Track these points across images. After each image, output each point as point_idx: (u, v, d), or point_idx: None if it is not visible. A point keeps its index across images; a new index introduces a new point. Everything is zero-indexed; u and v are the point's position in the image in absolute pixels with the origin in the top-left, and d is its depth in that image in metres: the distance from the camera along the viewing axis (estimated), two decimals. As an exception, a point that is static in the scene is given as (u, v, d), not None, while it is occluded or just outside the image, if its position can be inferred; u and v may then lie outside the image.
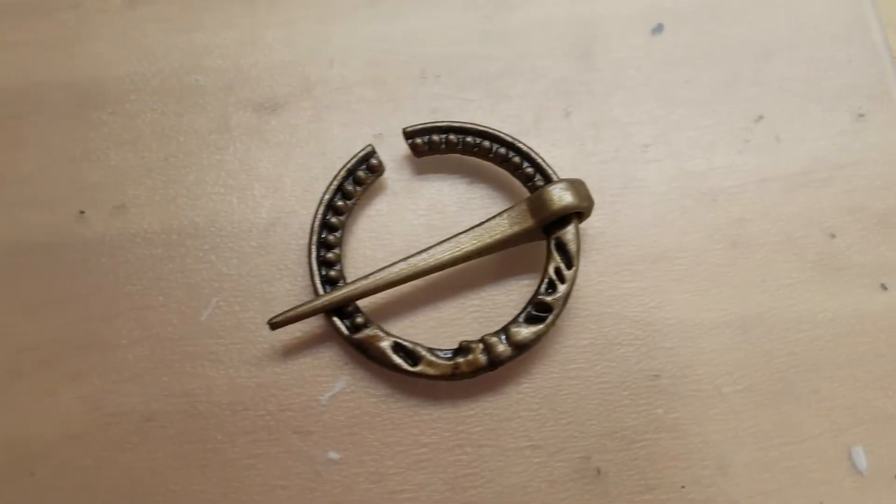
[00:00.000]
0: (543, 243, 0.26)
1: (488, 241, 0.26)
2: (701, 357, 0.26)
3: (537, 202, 0.25)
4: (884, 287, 0.26)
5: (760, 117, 0.28)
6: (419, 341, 0.25)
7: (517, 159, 0.27)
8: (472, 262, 0.26)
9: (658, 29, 0.29)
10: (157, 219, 0.28)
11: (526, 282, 0.27)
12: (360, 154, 0.27)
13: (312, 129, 0.28)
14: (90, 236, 0.27)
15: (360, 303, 0.26)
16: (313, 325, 0.26)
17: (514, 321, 0.25)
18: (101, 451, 0.25)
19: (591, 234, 0.27)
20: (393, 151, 0.28)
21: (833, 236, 0.27)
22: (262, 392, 0.26)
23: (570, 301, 0.26)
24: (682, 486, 0.25)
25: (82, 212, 0.28)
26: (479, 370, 0.25)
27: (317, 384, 0.26)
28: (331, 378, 0.26)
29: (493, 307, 0.27)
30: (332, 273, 0.26)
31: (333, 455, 0.25)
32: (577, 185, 0.25)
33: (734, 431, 0.25)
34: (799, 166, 0.28)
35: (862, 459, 0.25)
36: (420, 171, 0.28)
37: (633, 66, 0.29)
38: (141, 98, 0.29)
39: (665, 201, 0.27)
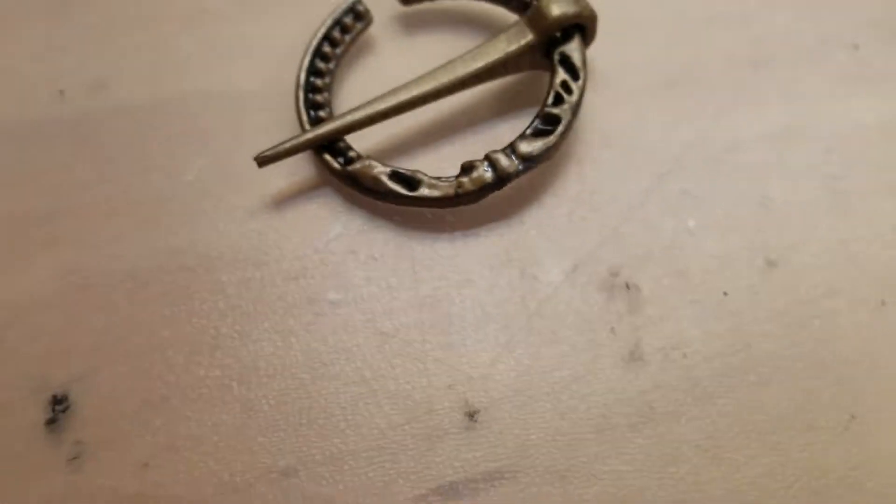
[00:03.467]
0: (548, 74, 0.24)
1: (488, 60, 0.24)
2: (730, 175, 0.24)
3: (535, 15, 0.24)
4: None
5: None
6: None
7: (514, -10, 0.25)
8: (471, 96, 0.25)
9: None
10: (140, 91, 0.26)
11: (530, 112, 0.25)
12: (346, 4, 0.25)
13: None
14: (70, 114, 0.26)
15: (354, 144, 0.24)
16: (305, 170, 0.25)
17: (521, 136, 0.23)
18: (78, 314, 0.23)
19: (599, 67, 0.25)
20: (380, 9, 0.27)
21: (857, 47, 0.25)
22: (254, 241, 0.24)
23: (582, 129, 0.24)
24: (725, 293, 0.22)
25: (62, 91, 0.26)
26: (485, 188, 0.23)
27: (312, 230, 0.24)
28: (326, 222, 0.24)
29: (495, 141, 0.24)
30: (321, 114, 0.24)
31: (333, 295, 0.23)
32: (576, -4, 0.24)
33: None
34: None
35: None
36: (410, 24, 0.27)
37: None
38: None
39: (680, 21, 0.26)
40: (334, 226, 0.24)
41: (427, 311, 0.23)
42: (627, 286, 0.22)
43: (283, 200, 0.24)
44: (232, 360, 0.22)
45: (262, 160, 0.23)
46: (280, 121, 0.25)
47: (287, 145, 0.23)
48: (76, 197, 0.25)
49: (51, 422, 0.22)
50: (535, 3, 0.24)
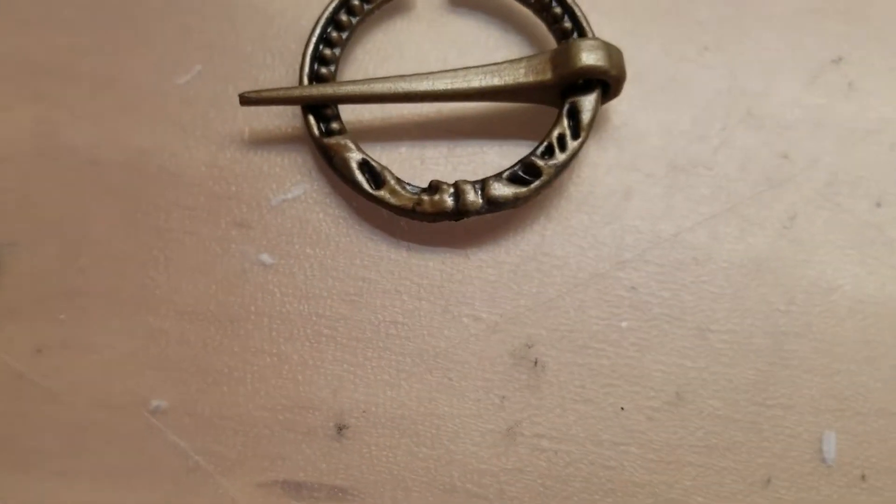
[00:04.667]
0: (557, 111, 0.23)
1: (497, 83, 0.23)
2: (690, 286, 0.23)
3: (561, 55, 0.22)
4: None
5: (839, 59, 0.25)
6: (392, 170, 0.23)
7: (558, 10, 0.24)
8: (476, 108, 0.24)
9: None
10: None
11: (527, 146, 0.24)
12: (394, -41, 0.24)
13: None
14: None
15: (344, 114, 0.23)
16: (289, 121, 0.24)
17: (497, 176, 0.22)
18: (38, 178, 0.24)
19: (615, 122, 0.24)
20: (428, -23, 0.25)
21: (879, 205, 0.24)
22: (215, 172, 0.24)
23: (568, 183, 0.23)
24: (622, 409, 0.22)
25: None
26: (442, 214, 0.22)
27: (273, 183, 0.24)
28: (289, 181, 0.24)
29: (482, 163, 0.24)
30: (324, 71, 0.24)
31: (266, 258, 0.23)
32: (611, 49, 0.22)
33: (701, 372, 0.22)
34: (865, 122, 0.24)
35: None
36: (451, 3, 0.25)
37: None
38: None
39: (707, 111, 0.24)
40: (297, 187, 0.24)
41: (347, 308, 0.23)
42: (536, 362, 0.22)
43: (260, 141, 0.24)
44: (149, 280, 0.23)
45: (246, 100, 0.23)
46: (291, 52, 0.25)
47: (274, 94, 0.23)
48: (70, 58, 0.25)
49: (-31, 276, 0.23)
50: (569, 40, 0.23)
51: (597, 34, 0.23)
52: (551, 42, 0.24)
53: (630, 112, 0.24)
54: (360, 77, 0.25)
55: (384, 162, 0.24)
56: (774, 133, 0.24)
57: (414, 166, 0.24)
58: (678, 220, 0.23)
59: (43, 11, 0.25)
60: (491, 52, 0.25)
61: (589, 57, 0.22)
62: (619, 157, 0.24)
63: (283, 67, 0.25)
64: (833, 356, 0.22)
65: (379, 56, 0.25)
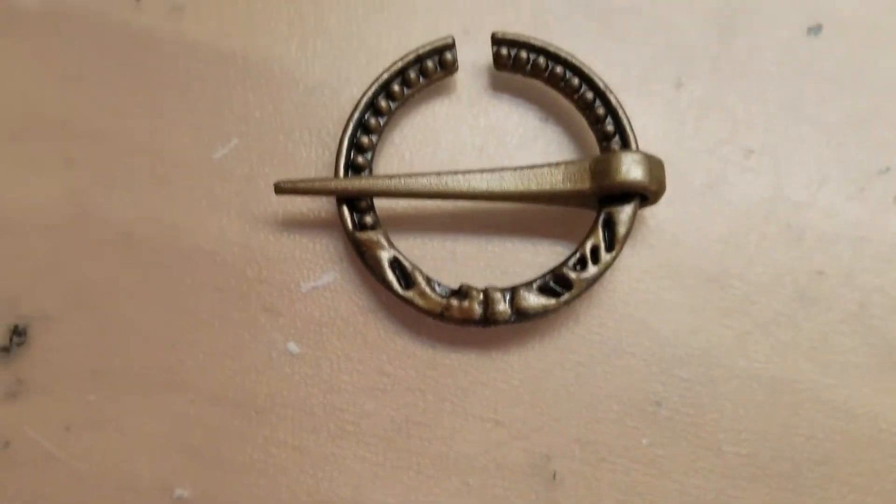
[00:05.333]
0: (593, 213, 0.23)
1: (534, 188, 0.23)
2: (714, 402, 0.23)
3: (601, 165, 0.22)
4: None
5: (887, 169, 0.24)
6: (422, 265, 0.23)
7: (601, 111, 0.23)
8: (511, 205, 0.23)
9: (816, 30, 0.25)
10: (210, 32, 0.25)
11: (560, 249, 0.24)
12: (438, 44, 0.24)
13: (402, -1, 0.25)
14: (138, 26, 0.25)
15: (378, 203, 0.23)
16: (323, 206, 0.24)
17: (527, 285, 0.22)
18: (70, 248, 0.24)
19: (650, 226, 0.24)
20: (475, 54, 0.25)
21: (915, 326, 0.23)
22: (248, 254, 0.24)
23: (598, 287, 0.23)
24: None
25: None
26: (469, 320, 0.22)
27: (304, 269, 0.24)
28: (320, 268, 0.24)
29: (514, 262, 0.24)
30: (361, 160, 0.23)
31: (293, 347, 0.23)
32: (652, 163, 0.22)
33: (718, 494, 0.22)
34: (909, 237, 0.24)
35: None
36: (496, 85, 0.25)
37: (773, 59, 0.25)
38: None
39: (745, 219, 0.24)
40: (327, 274, 0.24)
41: (371, 403, 0.23)
42: (554, 475, 0.22)
43: (293, 224, 0.24)
44: (178, 362, 0.23)
45: (281, 190, 0.23)
46: (327, 132, 0.25)
47: (310, 185, 0.23)
48: (105, 121, 0.25)
49: (3, 350, 0.23)
50: (609, 151, 0.22)
51: (638, 133, 0.23)
52: (591, 138, 0.24)
53: (667, 215, 0.24)
54: (395, 163, 0.24)
55: (415, 254, 0.24)
56: (813, 247, 0.24)
57: (445, 260, 0.24)
58: (707, 335, 0.23)
59: (79, 69, 0.25)
60: (529, 143, 0.25)
61: (630, 172, 0.22)
62: (652, 262, 0.24)
63: (320, 145, 0.25)
64: (852, 486, 0.22)
65: (416, 141, 0.25)
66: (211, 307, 0.23)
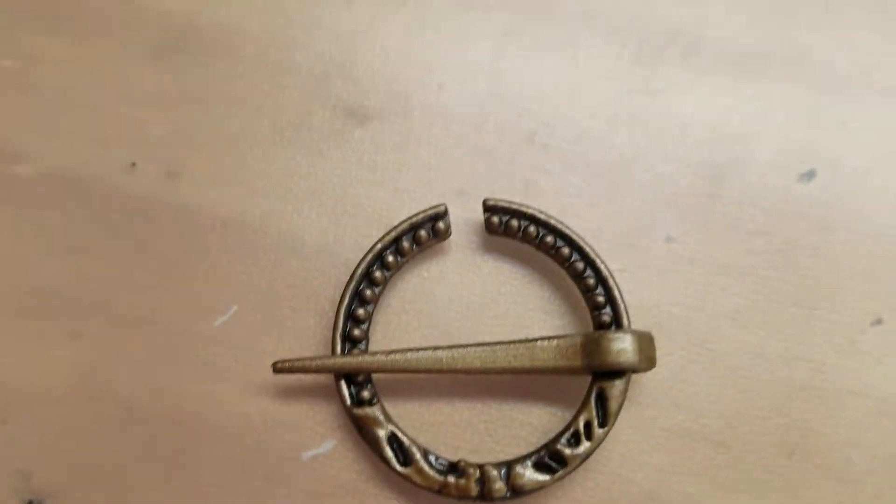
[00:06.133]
0: (586, 379, 0.23)
1: (526, 364, 0.23)
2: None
3: (593, 346, 0.23)
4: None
5: (879, 321, 0.24)
6: (419, 435, 0.23)
7: (592, 281, 0.24)
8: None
9: (809, 175, 0.25)
10: (207, 198, 0.26)
11: (556, 411, 0.24)
12: (430, 212, 0.24)
13: (394, 158, 0.26)
14: (134, 192, 0.26)
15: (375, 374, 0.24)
16: (322, 377, 0.24)
17: (521, 460, 0.23)
18: (76, 423, 0.24)
19: (642, 388, 0.24)
20: (468, 215, 0.25)
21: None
22: (249, 423, 0.24)
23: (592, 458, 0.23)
24: None
25: (133, 164, 0.26)
26: (466, 498, 0.23)
27: (304, 437, 0.24)
28: (320, 436, 0.24)
29: (510, 425, 0.24)
30: (357, 333, 0.24)
31: (296, 520, 0.24)
32: (643, 340, 0.23)
33: None
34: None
35: None
36: (489, 246, 0.25)
37: (765, 208, 0.25)
38: (233, 58, 0.27)
39: (738, 381, 0.24)
40: (327, 442, 0.24)
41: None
42: None
43: (292, 393, 0.25)
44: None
45: (279, 370, 0.23)
46: (324, 297, 0.25)
47: (308, 364, 0.23)
48: (106, 294, 0.25)
49: (17, 528, 0.24)
50: (599, 334, 0.23)
51: (627, 291, 0.23)
52: (581, 302, 0.24)
53: (659, 380, 0.24)
54: (392, 327, 0.25)
55: (413, 422, 0.24)
56: (805, 407, 0.24)
57: (443, 426, 0.24)
58: (705, 499, 0.24)
59: (80, 240, 0.25)
60: (523, 303, 0.25)
61: (620, 354, 0.22)
62: (647, 427, 0.24)
63: (318, 313, 0.25)
64: None
65: (411, 303, 0.25)
66: (213, 478, 0.24)
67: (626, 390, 0.23)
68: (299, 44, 0.27)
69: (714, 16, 0.26)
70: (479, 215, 0.25)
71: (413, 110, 0.26)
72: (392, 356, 0.23)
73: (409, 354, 0.23)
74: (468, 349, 0.23)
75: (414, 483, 0.23)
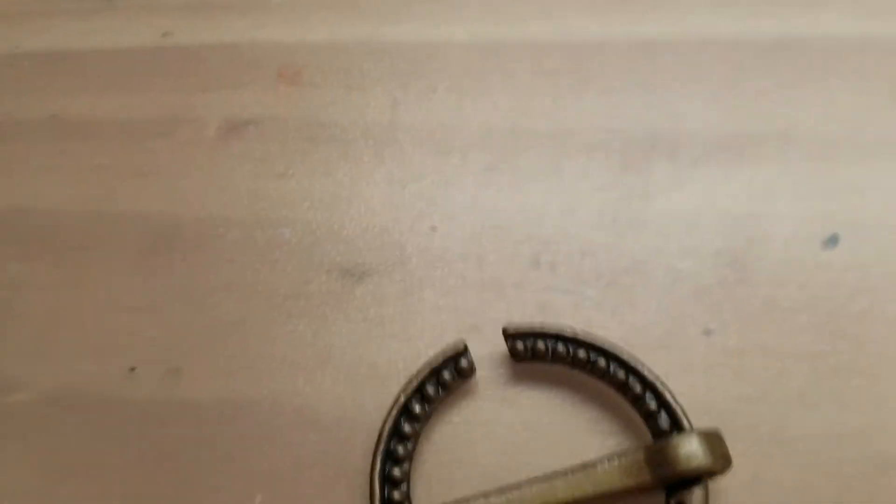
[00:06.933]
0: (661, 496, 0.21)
1: (590, 491, 0.20)
2: None
3: (658, 456, 0.20)
4: None
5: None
6: None
7: (638, 389, 0.22)
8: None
9: (832, 241, 0.24)
10: (212, 390, 0.24)
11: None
12: (450, 353, 0.22)
13: (400, 308, 0.24)
14: (137, 397, 0.24)
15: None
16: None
17: None
18: None
19: (721, 491, 0.22)
20: (489, 348, 0.24)
21: None
22: None
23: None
24: None
25: (133, 368, 0.24)
26: None
27: None
28: None
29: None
30: (397, 496, 0.21)
31: None
32: (712, 440, 0.20)
33: None
34: None
35: None
36: (518, 375, 0.23)
37: (796, 283, 0.24)
38: (219, 246, 0.26)
39: (821, 464, 0.22)
40: None
41: None
42: None
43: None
44: None
45: (318, 555, 0.21)
46: (353, 468, 0.23)
47: (348, 543, 0.21)
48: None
49: None
50: (663, 440, 0.20)
51: (679, 397, 0.21)
52: (632, 415, 0.22)
53: (738, 481, 0.22)
54: (434, 486, 0.22)
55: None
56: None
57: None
58: None
59: (85, 459, 0.23)
60: (569, 431, 0.23)
61: (692, 459, 0.20)
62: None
63: (348, 486, 0.23)
64: None
65: (449, 455, 0.23)
66: None
67: (706, 498, 0.20)
68: (284, 219, 0.26)
69: (691, 111, 0.26)
70: (501, 347, 0.23)
71: (410, 258, 0.25)
72: (440, 513, 0.21)
73: (458, 509, 0.21)
74: (523, 490, 0.21)
75: None
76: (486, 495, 0.21)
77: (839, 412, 0.22)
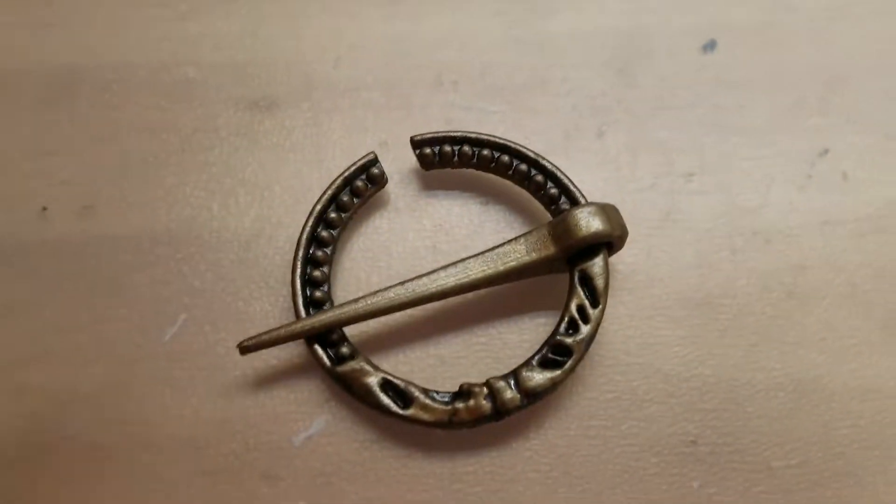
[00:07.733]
0: (565, 276, 0.22)
1: (501, 268, 0.22)
2: (747, 424, 0.22)
3: (560, 227, 0.22)
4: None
5: (826, 151, 0.24)
6: (414, 380, 0.22)
7: (540, 178, 0.23)
8: (482, 292, 0.23)
9: (710, 45, 0.26)
10: (128, 223, 0.24)
11: (543, 320, 0.23)
12: (361, 162, 0.23)
13: (310, 133, 0.25)
14: (51, 236, 0.24)
15: (349, 332, 0.22)
16: (292, 353, 0.23)
17: (527, 364, 0.21)
18: (39, 479, 0.22)
19: (622, 271, 0.23)
20: (399, 163, 0.25)
21: (905, 291, 0.23)
22: (228, 427, 0.22)
23: (594, 346, 0.22)
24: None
25: (44, 208, 0.24)
26: (481, 419, 0.21)
27: (291, 423, 0.22)
28: (308, 416, 0.22)
29: (503, 347, 0.23)
30: (318, 294, 0.22)
31: (303, 509, 0.21)
32: (608, 211, 0.22)
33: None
34: (869, 209, 0.24)
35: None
36: (428, 185, 0.25)
37: (680, 85, 0.25)
38: (124, 90, 0.26)
39: (710, 239, 0.24)
40: (317, 421, 0.22)
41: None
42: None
43: (266, 381, 0.23)
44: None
45: (245, 349, 0.22)
46: (275, 279, 0.24)
47: (275, 334, 0.22)
48: (54, 339, 0.23)
49: None
50: (563, 214, 0.22)
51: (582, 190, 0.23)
52: (538, 207, 0.23)
53: (635, 257, 0.23)
54: (353, 287, 0.23)
55: (403, 371, 0.22)
56: (785, 244, 0.24)
57: (435, 368, 0.23)
58: (716, 359, 0.22)
59: (5, 301, 0.23)
60: (478, 229, 0.24)
61: (591, 225, 0.21)
62: (637, 305, 0.23)
63: (271, 295, 0.23)
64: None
65: (367, 260, 0.24)
66: (205, 494, 0.22)
67: (606, 266, 0.22)
68: (188, 59, 0.26)
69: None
70: (411, 162, 0.24)
71: (317, 89, 0.26)
72: (361, 303, 0.22)
73: (378, 296, 0.22)
74: (438, 272, 0.22)
75: (421, 422, 0.21)
76: (403, 284, 0.22)
77: (724, 194, 0.24)
